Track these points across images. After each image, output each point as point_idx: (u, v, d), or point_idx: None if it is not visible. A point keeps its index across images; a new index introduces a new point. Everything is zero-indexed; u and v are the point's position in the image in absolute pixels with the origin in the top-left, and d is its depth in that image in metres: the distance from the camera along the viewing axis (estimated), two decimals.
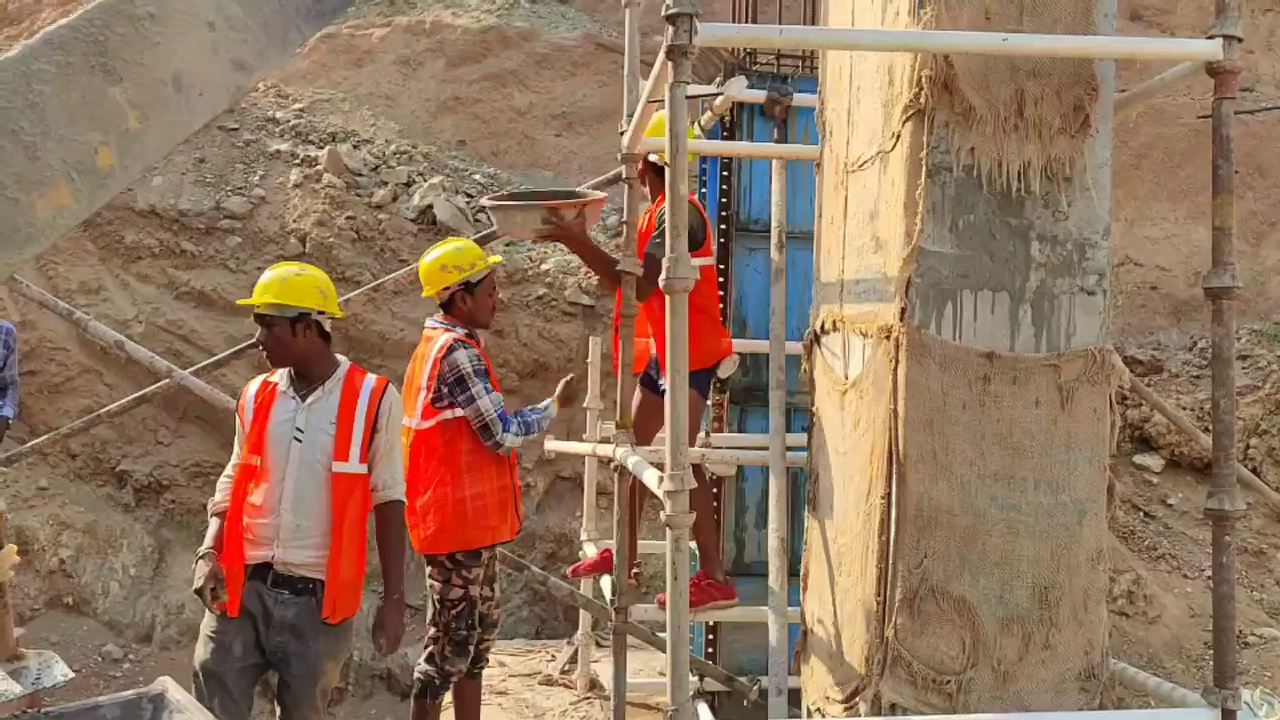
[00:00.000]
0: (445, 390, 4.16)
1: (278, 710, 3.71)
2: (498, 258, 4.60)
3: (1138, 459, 9.14)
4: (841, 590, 3.57)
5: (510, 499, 4.29)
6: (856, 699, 3.37)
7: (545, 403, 4.47)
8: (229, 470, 3.80)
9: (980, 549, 3.19)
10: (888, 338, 3.29)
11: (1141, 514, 8.89)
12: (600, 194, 4.69)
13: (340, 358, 3.83)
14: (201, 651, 3.61)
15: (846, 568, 3.53)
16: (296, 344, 3.67)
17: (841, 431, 3.66)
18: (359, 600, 3.75)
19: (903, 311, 3.24)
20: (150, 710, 2.68)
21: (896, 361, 3.24)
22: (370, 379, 3.80)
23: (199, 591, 3.53)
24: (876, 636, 3.25)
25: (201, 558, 3.61)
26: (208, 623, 3.64)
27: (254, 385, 3.82)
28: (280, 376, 3.76)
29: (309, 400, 3.68)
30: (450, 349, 4.19)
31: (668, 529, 2.88)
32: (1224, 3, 3.02)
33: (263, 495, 3.62)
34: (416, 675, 4.34)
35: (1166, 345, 10.03)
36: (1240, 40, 3.04)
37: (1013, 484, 3.21)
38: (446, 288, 4.36)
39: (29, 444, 5.82)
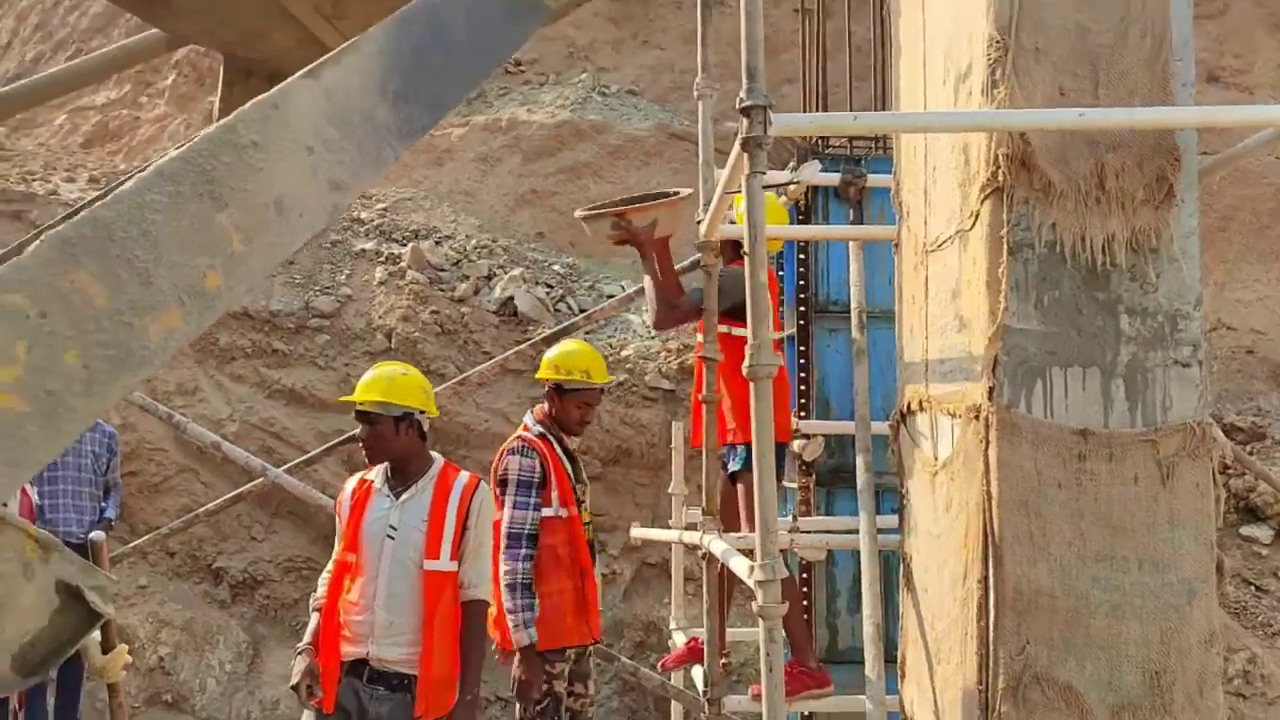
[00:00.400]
0: (498, 490, 4.23)
1: None
2: (611, 378, 4.57)
3: (1245, 530, 8.79)
4: (941, 678, 3.47)
5: (587, 600, 4.25)
6: None
7: (530, 627, 4.21)
8: (329, 566, 3.86)
9: (1085, 633, 3.09)
10: (977, 417, 3.24)
11: (1253, 588, 8.52)
12: (680, 193, 4.64)
13: (435, 455, 3.89)
14: None
15: (945, 655, 3.44)
16: (398, 442, 3.75)
17: (934, 514, 3.59)
18: (453, 698, 3.75)
19: (991, 390, 3.20)
20: None
21: (987, 441, 3.18)
22: (463, 476, 3.85)
23: (295, 687, 3.57)
24: None
25: (300, 653, 3.66)
26: (306, 715, 3.68)
27: (351, 482, 3.90)
28: (376, 474, 3.82)
29: (403, 498, 3.74)
30: (510, 450, 4.28)
31: (760, 619, 2.85)
32: None
33: (358, 592, 3.67)
34: None
35: (1267, 410, 9.70)
36: None
37: (1115, 564, 3.11)
38: (544, 381, 4.44)
39: (130, 544, 5.98)
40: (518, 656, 4.06)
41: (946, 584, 3.44)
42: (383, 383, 3.75)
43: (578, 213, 4.83)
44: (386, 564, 3.65)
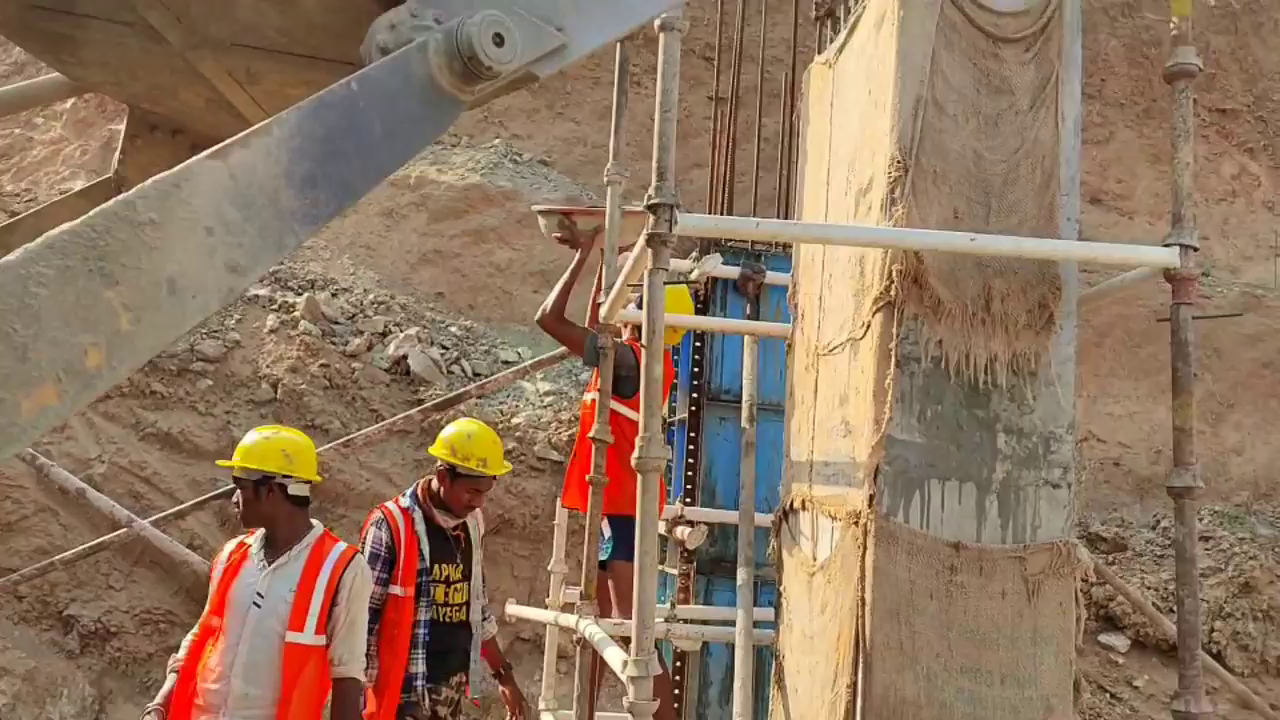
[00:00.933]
0: None
1: None
2: (507, 468, 4.54)
3: (1103, 638, 9.07)
4: None
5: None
6: None
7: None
8: (196, 628, 3.72)
9: None
10: (856, 523, 3.31)
11: (1108, 695, 8.77)
12: (634, 207, 4.81)
13: (315, 523, 3.79)
14: None
15: None
16: (261, 506, 3.65)
17: (809, 614, 3.63)
18: None
19: (871, 498, 3.26)
20: None
21: (864, 548, 3.24)
22: (339, 547, 3.74)
23: None
24: None
25: (148, 714, 3.50)
26: None
27: (230, 545, 3.81)
28: (255, 539, 3.71)
29: (274, 565, 3.63)
30: (372, 522, 4.22)
31: (630, 715, 2.83)
32: (1179, 214, 3.17)
33: (217, 658, 3.54)
34: None
35: (1130, 523, 10.09)
36: (1196, 249, 3.18)
37: (979, 677, 3.18)
38: (436, 459, 4.37)
39: None
40: None
41: (817, 686, 3.47)
42: (245, 447, 3.67)
43: (534, 206, 5.43)
44: (249, 632, 3.52)
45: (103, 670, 8.27)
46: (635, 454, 2.93)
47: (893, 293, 3.22)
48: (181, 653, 3.69)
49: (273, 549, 3.67)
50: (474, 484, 4.26)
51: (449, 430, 4.43)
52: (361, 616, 3.73)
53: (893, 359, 3.22)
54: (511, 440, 9.25)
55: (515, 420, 9.40)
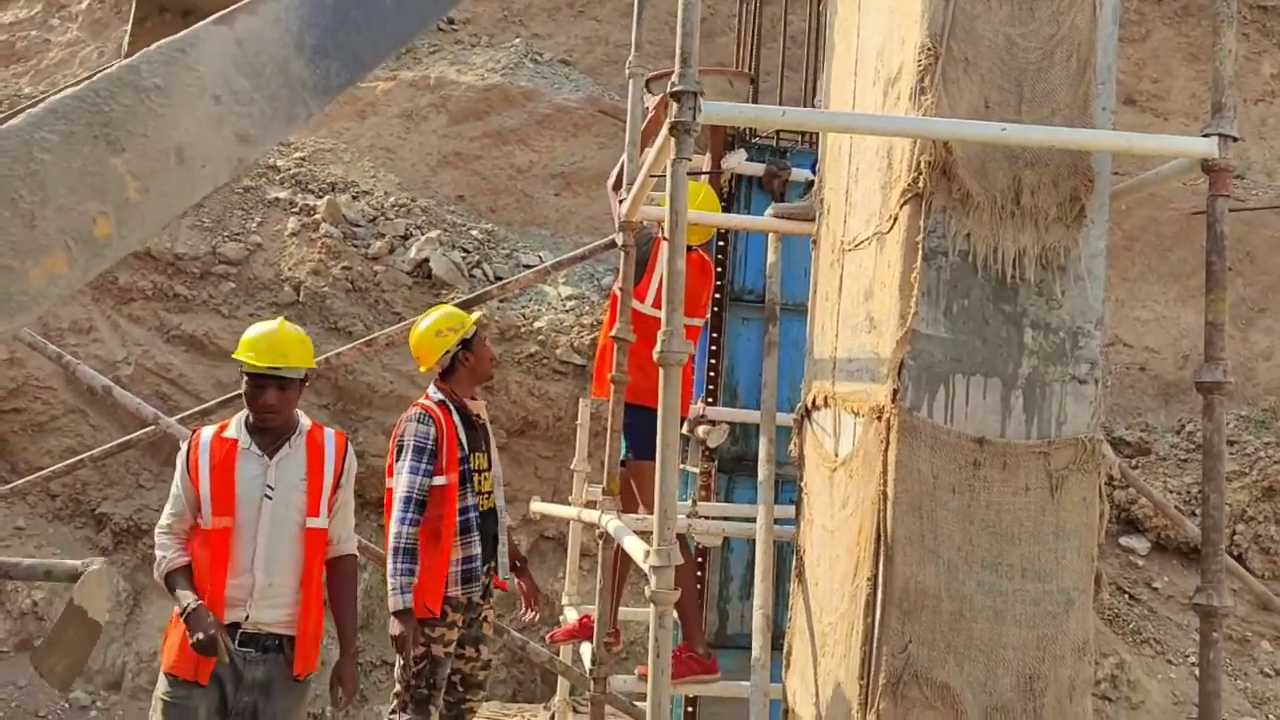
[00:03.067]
0: (394, 454, 4.21)
1: None
2: (479, 314, 4.59)
3: (1124, 540, 9.12)
4: (824, 671, 3.52)
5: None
6: None
7: (406, 592, 4.12)
8: (167, 522, 3.64)
9: (966, 635, 3.16)
10: (879, 418, 3.28)
11: (1127, 596, 8.84)
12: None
13: (298, 412, 3.80)
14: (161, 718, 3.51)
15: (830, 648, 3.49)
16: (295, 401, 3.69)
17: (830, 509, 3.64)
18: (317, 659, 3.71)
19: (895, 393, 3.24)
20: None
21: (887, 443, 3.23)
22: (330, 434, 3.80)
23: (209, 640, 3.37)
24: (859, 718, 3.21)
25: (194, 610, 3.43)
26: (167, 689, 3.52)
27: (207, 437, 3.70)
28: (238, 433, 3.68)
29: (276, 457, 3.64)
30: (409, 417, 4.26)
31: (652, 604, 2.85)
32: (1220, 103, 3.07)
33: (233, 555, 3.54)
34: None
35: (1154, 427, 10.05)
36: (1236, 139, 3.08)
37: (1000, 570, 3.18)
38: (447, 352, 4.38)
39: (9, 485, 5.75)
40: (393, 617, 4.02)
41: (837, 579, 3.49)
42: (297, 345, 3.67)
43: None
44: (266, 525, 3.55)
45: (135, 567, 8.45)
46: (657, 348, 2.90)
47: (920, 185, 3.15)
48: (172, 554, 3.62)
49: (267, 440, 3.66)
50: (483, 338, 4.36)
51: (426, 325, 4.46)
52: (352, 498, 3.82)
53: (919, 252, 3.16)
54: (533, 344, 9.26)
55: (537, 324, 9.40)
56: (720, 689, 4.79)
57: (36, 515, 8.43)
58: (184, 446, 3.73)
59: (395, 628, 3.96)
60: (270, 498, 3.58)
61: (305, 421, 3.77)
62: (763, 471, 3.95)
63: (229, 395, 5.71)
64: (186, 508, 3.61)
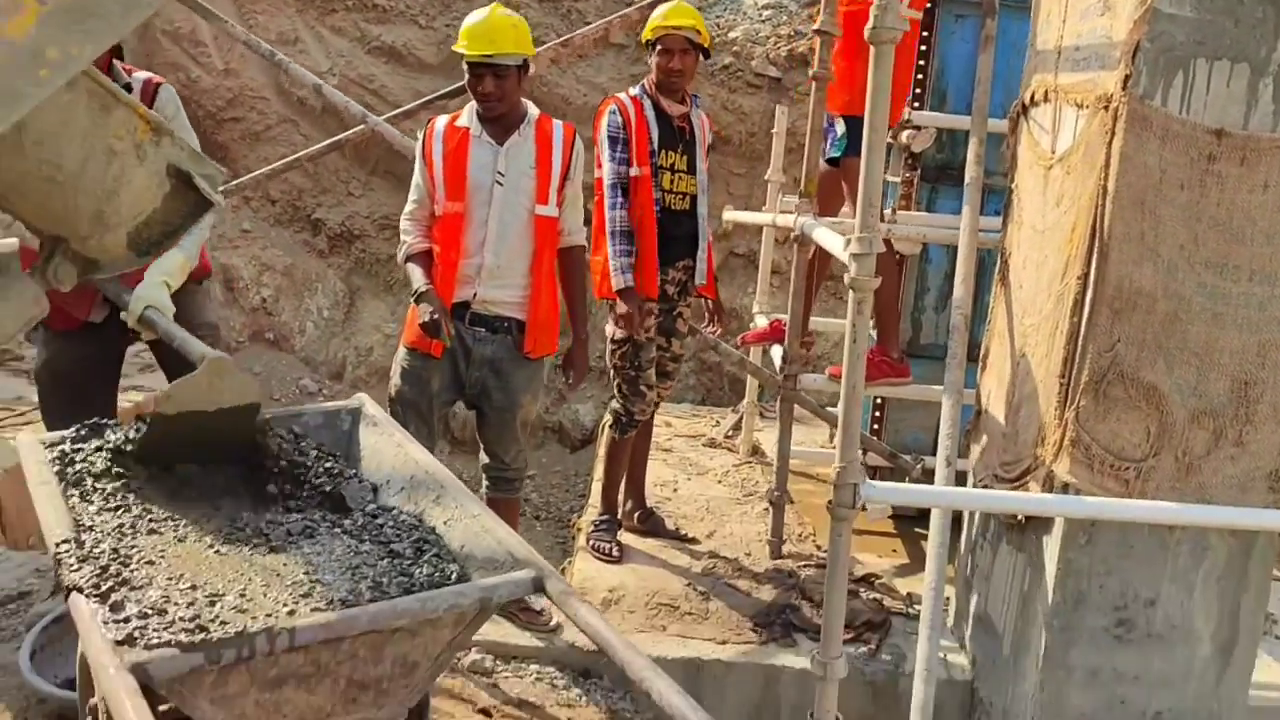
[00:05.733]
0: (597, 149, 4.21)
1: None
2: (671, 19, 4.34)
3: None
4: (1023, 370, 3.49)
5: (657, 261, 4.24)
6: (1027, 478, 3.34)
7: (627, 272, 4.17)
8: (409, 209, 3.79)
9: (1180, 337, 3.04)
10: (1105, 108, 3.07)
11: None
12: None
13: (527, 102, 3.82)
14: (398, 383, 3.77)
15: (1031, 348, 3.43)
16: (518, 91, 3.70)
17: (1042, 208, 3.48)
18: (555, 342, 3.90)
19: (1126, 79, 3.00)
20: (349, 421, 2.86)
21: (1112, 134, 3.02)
22: (558, 125, 3.81)
23: (434, 323, 3.56)
24: (1056, 417, 3.19)
25: (423, 293, 3.62)
26: (405, 358, 3.77)
27: (440, 126, 3.79)
28: (470, 121, 3.75)
29: (506, 145, 3.70)
30: (603, 112, 4.22)
31: (850, 291, 2.83)
32: None
33: (464, 238, 3.69)
34: (609, 410, 4.52)
35: None
36: None
37: (1225, 272, 3.01)
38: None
39: (232, 183, 6.09)
40: (617, 299, 4.15)
41: (1044, 280, 3.39)
42: (512, 31, 3.64)
43: None
44: (496, 209, 3.67)
45: (350, 269, 8.99)
46: (869, 24, 2.75)
47: None
48: (411, 239, 3.79)
49: (497, 129, 3.71)
50: (665, 46, 4.20)
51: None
52: (580, 191, 3.87)
53: None
54: (728, 55, 8.98)
55: (732, 35, 9.06)
56: (911, 392, 4.83)
57: (260, 219, 8.99)
58: (420, 135, 3.86)
59: (621, 307, 4.12)
60: (500, 184, 3.68)
61: (534, 111, 3.80)
62: (971, 172, 3.78)
63: (427, 98, 5.80)
64: (425, 194, 3.76)
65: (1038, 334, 3.39)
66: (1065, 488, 3.17)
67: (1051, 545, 3.34)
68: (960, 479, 3.85)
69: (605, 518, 4.56)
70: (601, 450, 4.66)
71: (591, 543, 4.48)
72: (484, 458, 3.96)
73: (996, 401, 3.71)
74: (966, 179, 3.83)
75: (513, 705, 3.30)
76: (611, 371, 4.38)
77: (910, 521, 5.14)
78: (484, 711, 3.14)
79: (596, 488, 4.82)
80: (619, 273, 4.12)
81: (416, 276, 3.68)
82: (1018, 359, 3.55)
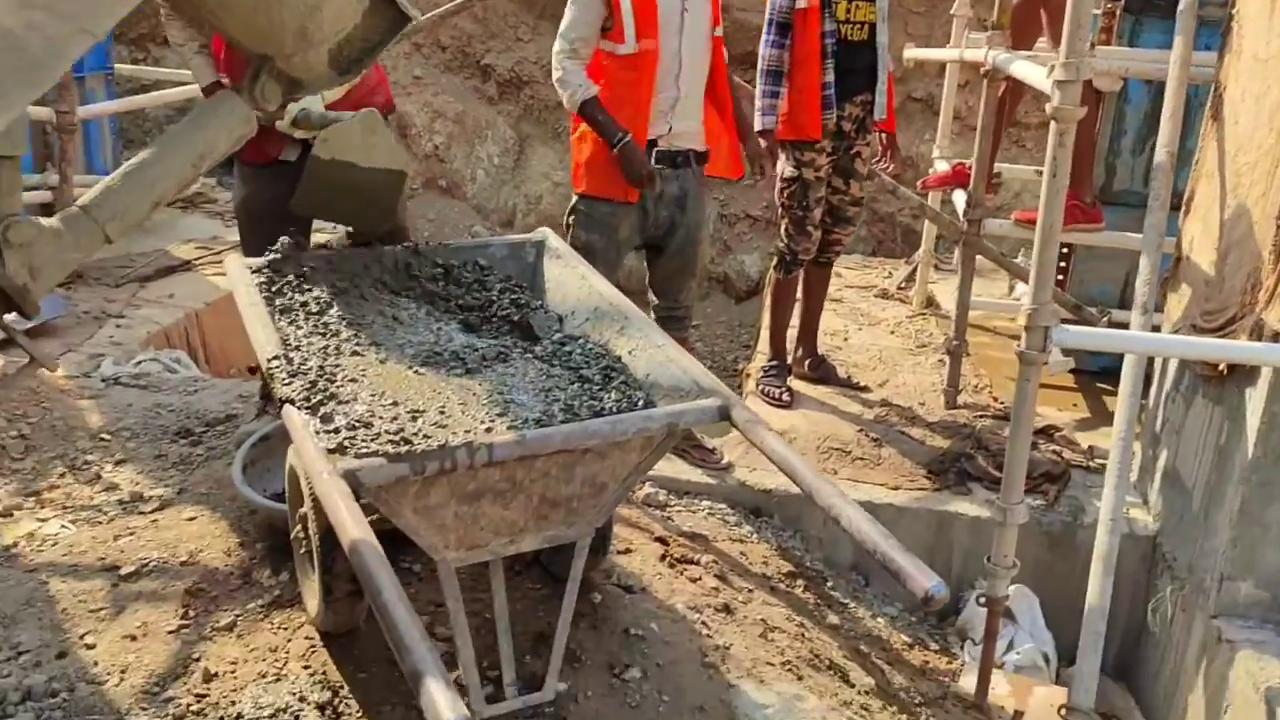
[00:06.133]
0: None
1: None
2: None
3: None
4: (1234, 211, 3.25)
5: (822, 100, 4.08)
6: (1233, 327, 3.16)
7: (767, 114, 4.08)
8: (574, 49, 3.61)
9: None
10: None
11: None
12: None
13: None
14: (582, 234, 3.66)
15: (1246, 188, 3.20)
16: None
17: (1266, 35, 3.19)
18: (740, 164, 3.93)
19: None
20: (533, 253, 2.91)
21: None
22: None
23: (649, 176, 3.54)
24: (1271, 262, 2.98)
25: (627, 143, 3.55)
26: (589, 207, 3.69)
27: None
28: None
29: None
30: None
31: (1052, 123, 2.68)
32: None
33: (657, 74, 3.61)
34: (773, 249, 4.47)
35: None
36: None
37: None
38: None
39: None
40: (757, 136, 4.05)
41: (1265, 112, 3.12)
42: None
43: None
44: (688, 39, 3.60)
45: (519, 116, 9.03)
46: None
47: None
48: (582, 80, 3.64)
49: None
50: None
51: None
52: None
53: None
54: None
55: None
56: (1103, 239, 4.59)
57: (430, 66, 9.07)
58: None
59: (759, 145, 4.02)
60: (688, 10, 3.61)
61: None
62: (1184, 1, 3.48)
63: None
64: (592, 33, 3.63)
65: (1254, 172, 3.15)
66: (1276, 337, 2.98)
67: (1255, 398, 3.16)
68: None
69: (774, 363, 4.55)
70: (768, 293, 4.62)
71: (761, 388, 4.48)
72: (653, 299, 3.96)
73: (1201, 247, 3.49)
74: (1180, 5, 3.53)
75: (686, 537, 3.38)
76: (779, 210, 4.31)
77: (1092, 376, 4.96)
78: (660, 540, 3.23)
79: (765, 336, 4.80)
80: (761, 114, 4.03)
81: (610, 124, 3.58)
82: (1228, 200, 3.31)
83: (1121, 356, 3.38)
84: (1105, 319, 4.71)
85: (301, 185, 2.58)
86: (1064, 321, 4.72)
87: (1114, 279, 4.97)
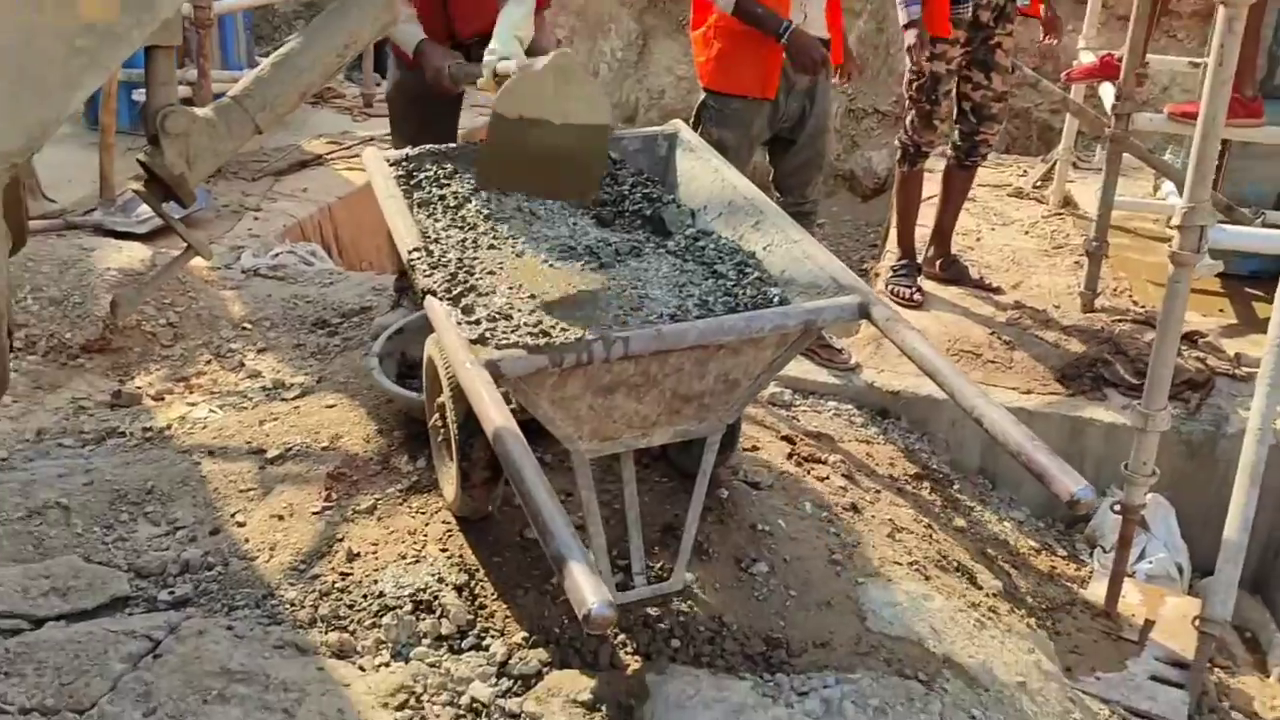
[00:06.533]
0: None
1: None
2: None
3: None
4: None
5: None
6: None
7: (913, 4, 3.91)
8: None
9: None
10: None
11: None
12: None
13: None
14: (715, 130, 3.64)
15: None
16: None
17: None
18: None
19: None
20: (665, 146, 2.87)
21: None
22: None
23: (820, 58, 3.48)
24: None
25: (796, 33, 3.47)
26: (721, 103, 3.62)
27: None
28: None
29: None
30: None
31: (1221, 7, 2.51)
32: None
33: None
34: (896, 142, 4.36)
35: None
36: None
37: None
38: None
39: None
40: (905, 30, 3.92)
41: None
42: None
43: None
44: None
45: (643, 8, 8.86)
46: None
47: None
48: None
49: None
50: None
51: None
52: None
53: None
54: None
55: None
56: (1261, 135, 4.33)
57: None
58: None
59: (909, 37, 3.89)
60: None
61: None
62: None
63: None
64: None
65: None
66: None
67: None
68: None
69: (904, 262, 4.45)
70: (895, 190, 4.50)
71: (890, 287, 4.39)
72: (777, 196, 3.89)
73: None
74: None
75: (812, 437, 3.37)
76: (907, 102, 4.18)
77: (1240, 281, 4.72)
78: (786, 438, 3.22)
79: (893, 234, 4.69)
80: (904, 5, 3.90)
81: (771, 15, 3.47)
82: None
83: (1276, 259, 3.21)
84: (1259, 220, 4.48)
85: (482, 151, 2.18)
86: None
87: (1270, 178, 4.70)
